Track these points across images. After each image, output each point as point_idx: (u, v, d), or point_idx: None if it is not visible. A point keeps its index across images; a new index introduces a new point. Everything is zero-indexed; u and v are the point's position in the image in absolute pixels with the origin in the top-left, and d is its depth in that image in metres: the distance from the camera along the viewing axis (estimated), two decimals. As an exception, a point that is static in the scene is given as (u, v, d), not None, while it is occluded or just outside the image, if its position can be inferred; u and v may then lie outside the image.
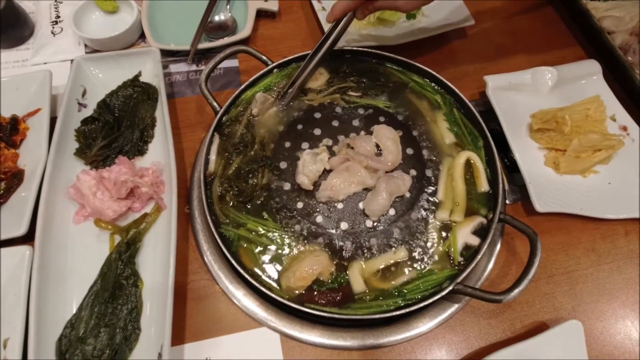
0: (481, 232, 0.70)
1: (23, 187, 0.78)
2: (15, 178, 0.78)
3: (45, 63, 0.96)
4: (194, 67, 0.96)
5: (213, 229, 0.68)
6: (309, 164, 0.72)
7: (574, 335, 0.66)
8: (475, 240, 0.69)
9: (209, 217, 0.69)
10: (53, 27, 1.01)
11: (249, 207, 0.71)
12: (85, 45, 0.98)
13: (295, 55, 0.86)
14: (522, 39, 1.02)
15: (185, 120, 0.90)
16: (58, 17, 1.02)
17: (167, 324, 0.62)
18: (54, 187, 0.75)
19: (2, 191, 0.76)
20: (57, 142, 0.78)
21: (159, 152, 0.83)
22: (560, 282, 0.74)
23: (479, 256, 0.67)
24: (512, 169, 0.82)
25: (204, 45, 0.94)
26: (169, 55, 0.97)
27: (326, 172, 0.74)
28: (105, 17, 1.00)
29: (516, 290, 0.61)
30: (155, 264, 0.71)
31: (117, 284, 0.69)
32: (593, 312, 0.72)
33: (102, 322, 0.66)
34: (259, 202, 0.72)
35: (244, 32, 0.96)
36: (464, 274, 0.65)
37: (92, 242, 0.74)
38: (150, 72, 0.90)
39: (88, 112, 0.85)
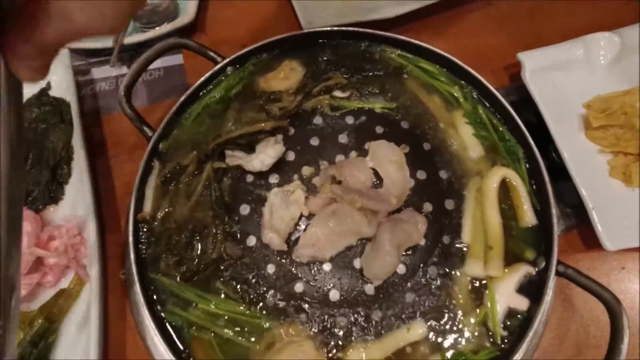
0: (530, 288, 0.49)
1: None
2: None
3: None
4: (124, 70, 0.72)
5: (148, 315, 0.48)
6: (279, 209, 0.50)
7: None
8: (522, 303, 0.49)
9: (141, 295, 0.49)
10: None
11: (195, 278, 0.51)
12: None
13: (259, 44, 0.63)
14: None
15: (118, 145, 0.67)
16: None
17: None
18: None
19: None
20: None
21: (81, 196, 0.61)
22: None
23: (532, 330, 0.46)
24: (557, 178, 0.60)
25: (132, 38, 0.70)
26: (89, 55, 0.72)
27: (305, 218, 0.52)
28: None
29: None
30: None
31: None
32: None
33: None
34: (208, 272, 0.51)
35: (186, 16, 0.71)
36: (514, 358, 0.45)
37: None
38: (63, 81, 0.67)
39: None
